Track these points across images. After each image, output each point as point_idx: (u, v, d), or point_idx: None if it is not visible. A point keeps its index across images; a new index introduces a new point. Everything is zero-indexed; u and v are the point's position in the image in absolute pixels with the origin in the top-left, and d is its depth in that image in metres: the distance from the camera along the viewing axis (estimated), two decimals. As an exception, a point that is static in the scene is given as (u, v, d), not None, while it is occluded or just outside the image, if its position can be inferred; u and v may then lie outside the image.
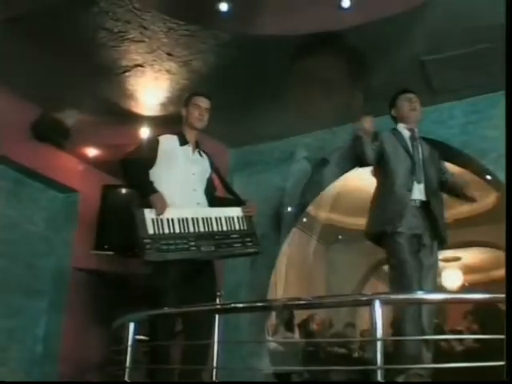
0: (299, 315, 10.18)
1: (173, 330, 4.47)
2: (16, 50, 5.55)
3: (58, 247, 7.09)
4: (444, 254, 14.70)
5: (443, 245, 4.58)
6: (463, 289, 15.29)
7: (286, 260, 11.54)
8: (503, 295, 2.70)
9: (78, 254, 6.98)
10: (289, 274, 11.88)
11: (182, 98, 5.95)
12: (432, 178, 4.65)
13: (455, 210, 12.08)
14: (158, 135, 4.78)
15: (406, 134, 4.78)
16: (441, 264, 14.86)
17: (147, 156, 4.60)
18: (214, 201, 4.78)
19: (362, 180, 9.37)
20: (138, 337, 4.42)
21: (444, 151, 6.09)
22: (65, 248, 7.05)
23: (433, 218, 4.50)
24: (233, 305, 3.81)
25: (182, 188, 4.56)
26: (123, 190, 7.27)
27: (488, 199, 11.02)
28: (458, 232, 12.39)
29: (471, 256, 15.44)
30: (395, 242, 4.36)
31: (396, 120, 4.92)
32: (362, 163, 4.73)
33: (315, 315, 10.24)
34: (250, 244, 4.55)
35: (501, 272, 16.60)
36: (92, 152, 6.95)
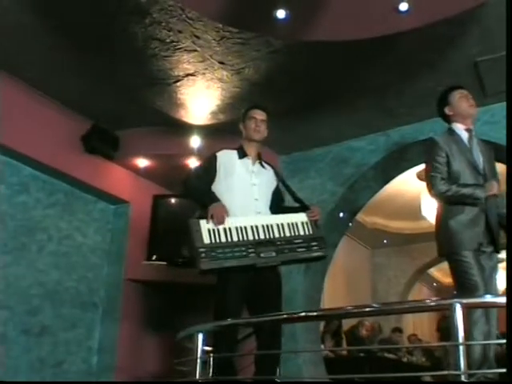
0: (348, 321, 10.13)
1: (235, 339, 4.46)
2: (66, 62, 5.60)
3: (110, 259, 7.12)
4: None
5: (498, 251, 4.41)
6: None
7: (332, 264, 11.52)
8: None
9: (131, 265, 6.98)
10: (335, 278, 11.86)
11: (233, 107, 6.03)
12: (492, 179, 4.49)
13: (503, 210, 11.95)
14: (216, 152, 4.82)
15: (465, 136, 4.57)
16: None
17: (207, 174, 4.68)
18: (282, 210, 4.76)
19: (404, 184, 9.32)
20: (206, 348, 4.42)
21: (498, 152, 6.02)
22: (117, 259, 7.06)
23: (490, 225, 4.34)
24: (303, 314, 3.77)
25: (242, 198, 4.59)
26: (174, 200, 7.29)
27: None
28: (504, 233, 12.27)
29: (517, 257, 15.21)
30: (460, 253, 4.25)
31: (449, 119, 4.69)
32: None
33: (364, 321, 10.16)
34: (315, 248, 4.49)
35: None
36: (142, 162, 6.94)
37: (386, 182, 7.34)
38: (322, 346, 8.84)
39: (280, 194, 4.94)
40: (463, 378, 2.70)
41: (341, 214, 7.16)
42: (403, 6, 4.34)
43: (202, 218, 4.38)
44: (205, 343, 3.83)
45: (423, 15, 4.45)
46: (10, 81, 5.85)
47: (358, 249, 13.70)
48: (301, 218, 4.63)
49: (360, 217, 11.89)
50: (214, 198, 4.48)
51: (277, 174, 4.97)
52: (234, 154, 4.77)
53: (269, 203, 4.76)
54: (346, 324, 10.12)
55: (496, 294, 4.19)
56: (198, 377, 3.70)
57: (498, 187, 4.36)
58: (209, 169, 4.71)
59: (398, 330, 11.65)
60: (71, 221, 6.73)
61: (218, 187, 4.63)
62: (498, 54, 5.43)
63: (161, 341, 7.11)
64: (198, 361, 3.72)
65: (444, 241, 4.45)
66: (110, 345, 6.76)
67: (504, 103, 6.26)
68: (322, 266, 7.06)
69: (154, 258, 6.96)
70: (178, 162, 6.79)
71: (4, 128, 5.67)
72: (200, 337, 3.77)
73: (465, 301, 2.90)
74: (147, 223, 7.10)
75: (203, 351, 3.82)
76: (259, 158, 4.87)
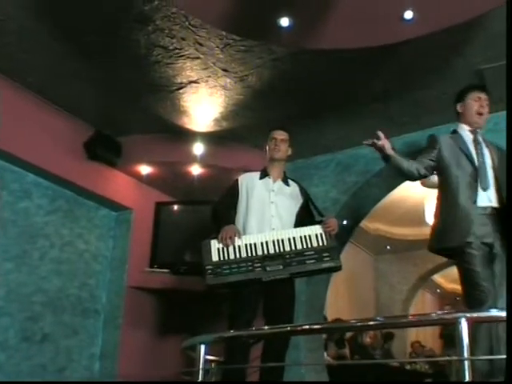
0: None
1: (247, 343, 4.56)
2: (70, 68, 5.58)
3: (112, 265, 7.09)
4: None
5: None
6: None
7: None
8: None
9: (133, 272, 6.95)
10: (339, 285, 11.84)
11: (236, 114, 6.05)
12: (504, 184, 4.34)
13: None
14: (238, 176, 5.17)
15: (468, 136, 4.56)
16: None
17: (229, 198, 5.01)
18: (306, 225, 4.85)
19: (407, 190, 9.29)
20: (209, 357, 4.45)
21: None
22: (119, 266, 7.03)
23: (504, 226, 4.21)
24: (306, 326, 3.75)
25: (258, 216, 4.82)
26: (176, 207, 7.32)
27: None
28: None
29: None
30: (465, 253, 4.15)
31: (459, 117, 4.70)
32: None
33: (368, 328, 10.13)
34: (327, 259, 4.52)
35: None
36: (145, 169, 6.91)
37: (390, 189, 7.29)
38: (325, 354, 8.83)
39: (308, 210, 5.09)
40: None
41: (344, 222, 7.13)
42: (408, 15, 4.31)
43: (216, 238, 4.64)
44: (207, 353, 3.83)
45: (428, 23, 4.42)
46: (13, 86, 5.83)
47: (360, 255, 13.68)
48: (315, 230, 4.71)
49: (363, 223, 11.84)
50: (228, 221, 4.76)
51: (302, 190, 5.13)
52: (257, 175, 5.07)
53: (291, 219, 4.91)
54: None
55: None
56: (201, 387, 3.71)
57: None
58: (231, 193, 5.03)
59: (390, 335, 11.54)
60: (73, 227, 6.70)
61: (240, 208, 4.90)
62: (503, 62, 5.41)
63: (163, 348, 7.09)
64: (201, 372, 3.73)
65: (440, 234, 4.41)
66: (112, 352, 6.73)
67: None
68: (325, 274, 7.04)
69: (157, 265, 6.97)
70: (181, 169, 6.80)
71: (6, 134, 5.67)
72: (202, 348, 3.77)
73: (470, 315, 2.87)
74: (150, 230, 7.13)
75: (206, 361, 3.84)
76: (283, 177, 5.09)
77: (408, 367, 10.29)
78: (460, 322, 2.76)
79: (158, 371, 6.90)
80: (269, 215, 4.80)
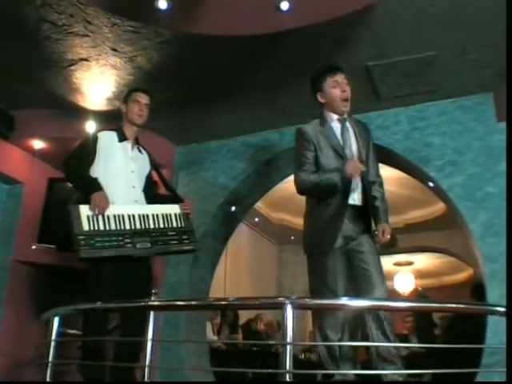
0: (246, 315, 10.21)
1: (105, 326, 4.52)
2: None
3: (-1, 239, 7.00)
4: (396, 258, 14.91)
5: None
6: (415, 293, 15.46)
7: (238, 259, 11.59)
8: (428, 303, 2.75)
9: (20, 247, 6.89)
10: (241, 272, 11.94)
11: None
12: (369, 174, 4.36)
13: (407, 216, 12.26)
14: (98, 131, 4.91)
15: (337, 126, 4.38)
16: (393, 268, 14.97)
17: (87, 155, 4.71)
18: (153, 198, 4.86)
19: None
20: (71, 331, 4.45)
21: (387, 157, 6.16)
22: (6, 240, 6.95)
23: (367, 221, 4.30)
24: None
25: (120, 185, 4.66)
26: (69, 184, 7.25)
27: (437, 206, 11.16)
28: (411, 237, 12.58)
29: (423, 261, 15.61)
30: (328, 258, 4.16)
31: (323, 105, 4.45)
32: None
33: (263, 315, 10.25)
34: (186, 241, 4.64)
35: (452, 277, 16.87)
36: (38, 144, 6.87)
37: (280, 179, 7.41)
38: (216, 337, 8.93)
39: (152, 180, 5.02)
40: (287, 378, 2.79)
41: (232, 208, 7.23)
42: (284, 5, 4.40)
43: (80, 202, 4.47)
44: (61, 326, 3.86)
45: (305, 15, 4.52)
46: None
47: (265, 244, 13.81)
48: (174, 209, 4.76)
49: (267, 212, 12.03)
50: (97, 186, 4.52)
51: (151, 159, 5.04)
52: (114, 135, 4.83)
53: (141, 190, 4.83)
54: (245, 318, 10.22)
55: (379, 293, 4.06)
56: (50, 360, 3.73)
57: (357, 165, 4.11)
58: (89, 150, 4.73)
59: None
60: (-39, 199, 6.60)
61: (97, 170, 4.66)
62: (391, 60, 5.57)
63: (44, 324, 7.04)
64: (52, 344, 3.75)
65: (307, 239, 4.40)
66: (-6, 327, 6.65)
67: (396, 109, 6.45)
68: (211, 258, 7.13)
69: (45, 241, 6.91)
70: (74, 146, 6.74)
71: None
72: (56, 320, 3.80)
73: (295, 301, 2.98)
74: (40, 206, 7.04)
75: (59, 335, 3.86)
76: (137, 143, 4.94)
77: (302, 357, 10.45)
78: (286, 308, 2.88)
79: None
80: (130, 185, 4.71)
